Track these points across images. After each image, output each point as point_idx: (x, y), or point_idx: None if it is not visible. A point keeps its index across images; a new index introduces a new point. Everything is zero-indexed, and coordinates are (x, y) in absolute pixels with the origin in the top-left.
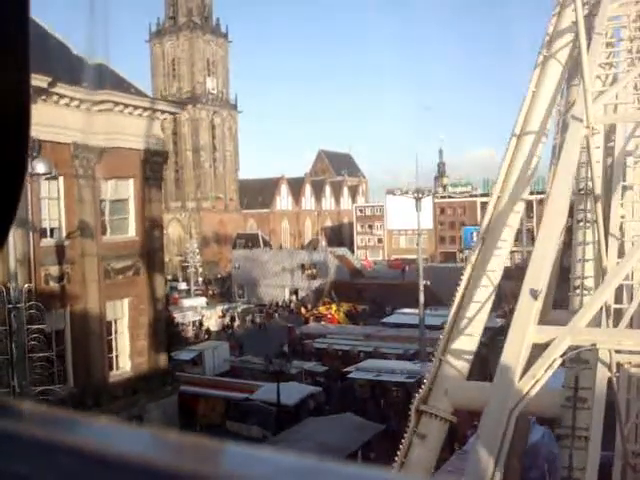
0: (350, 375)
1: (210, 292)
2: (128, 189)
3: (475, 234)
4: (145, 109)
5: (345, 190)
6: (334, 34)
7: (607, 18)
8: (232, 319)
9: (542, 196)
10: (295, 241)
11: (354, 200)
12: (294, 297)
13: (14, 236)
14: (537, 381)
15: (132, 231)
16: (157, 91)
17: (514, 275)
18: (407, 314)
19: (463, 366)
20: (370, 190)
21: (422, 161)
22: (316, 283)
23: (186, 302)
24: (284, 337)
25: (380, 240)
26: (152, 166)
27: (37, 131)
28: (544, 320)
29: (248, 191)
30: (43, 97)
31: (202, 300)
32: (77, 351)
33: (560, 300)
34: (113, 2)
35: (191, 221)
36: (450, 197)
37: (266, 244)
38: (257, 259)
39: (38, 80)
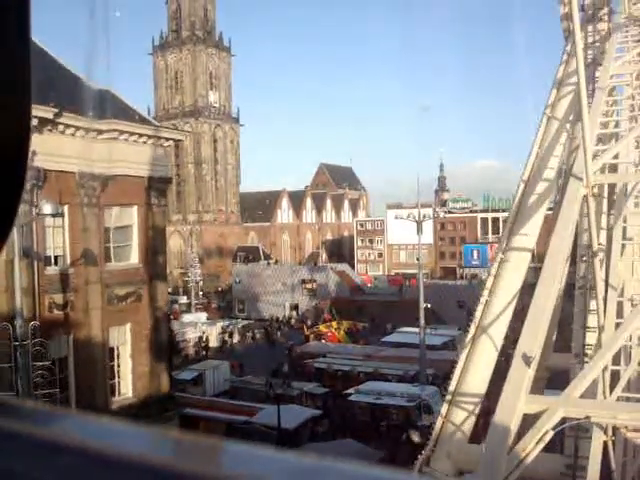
0: (350, 398)
1: (212, 305)
2: (132, 216)
3: (476, 252)
4: (149, 136)
5: (346, 203)
6: (333, 44)
7: (610, 75)
8: (230, 335)
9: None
10: (296, 254)
11: (355, 213)
12: (294, 313)
13: (19, 266)
14: (527, 454)
15: (135, 258)
16: (160, 104)
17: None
18: (407, 333)
19: (466, 427)
20: (371, 199)
21: (423, 171)
22: (316, 299)
23: (187, 317)
24: (284, 355)
25: (380, 254)
26: (156, 193)
27: (43, 161)
28: (545, 364)
29: (249, 204)
30: (49, 127)
31: (203, 315)
32: (80, 378)
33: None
34: (115, 16)
35: (192, 234)
36: (450, 212)
37: (267, 257)
38: (258, 274)
39: (44, 111)
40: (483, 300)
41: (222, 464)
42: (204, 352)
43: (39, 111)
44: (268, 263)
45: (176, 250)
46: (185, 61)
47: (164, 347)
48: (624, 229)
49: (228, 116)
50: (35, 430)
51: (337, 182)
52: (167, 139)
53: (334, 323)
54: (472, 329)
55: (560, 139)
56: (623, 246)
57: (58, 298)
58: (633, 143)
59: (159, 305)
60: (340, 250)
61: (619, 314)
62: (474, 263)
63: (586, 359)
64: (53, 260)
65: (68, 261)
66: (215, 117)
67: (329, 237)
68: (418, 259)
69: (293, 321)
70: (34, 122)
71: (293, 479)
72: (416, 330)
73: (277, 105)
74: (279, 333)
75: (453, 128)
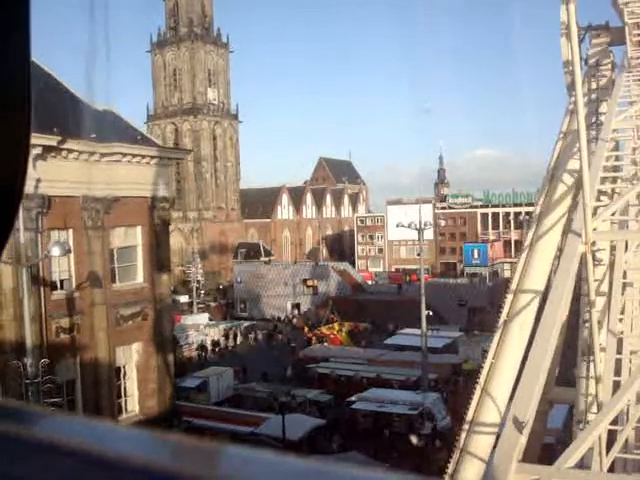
0: (353, 406)
1: (213, 305)
2: (136, 236)
3: (476, 251)
4: (152, 157)
5: (346, 198)
6: (332, 38)
7: (612, 130)
8: (234, 337)
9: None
10: (296, 250)
11: (354, 208)
12: (296, 311)
13: (27, 294)
14: None
15: (140, 277)
16: (158, 102)
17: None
18: (409, 335)
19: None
20: (370, 191)
21: (422, 159)
22: (317, 298)
23: (189, 319)
24: (287, 357)
25: (381, 250)
26: (159, 212)
27: (47, 187)
28: (547, 397)
29: (249, 201)
30: (53, 154)
31: (205, 317)
32: (87, 399)
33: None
34: (113, 13)
35: (193, 231)
36: (450, 208)
37: (267, 253)
38: (259, 273)
39: (48, 139)
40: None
41: (220, 467)
42: (203, 353)
43: (42, 139)
44: (266, 262)
45: (177, 248)
46: (183, 58)
47: (169, 364)
48: (624, 285)
49: (227, 113)
50: (35, 433)
51: (336, 176)
52: (170, 158)
53: (336, 325)
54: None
55: (565, 199)
56: (622, 302)
57: (65, 322)
58: (634, 200)
59: (164, 323)
60: (340, 246)
61: (617, 372)
62: (475, 262)
63: (581, 425)
64: (59, 284)
65: (74, 285)
66: (214, 114)
67: (329, 232)
68: (420, 263)
69: (295, 321)
70: (38, 150)
71: None
72: (417, 332)
73: (275, 100)
74: (280, 336)
75: (452, 117)
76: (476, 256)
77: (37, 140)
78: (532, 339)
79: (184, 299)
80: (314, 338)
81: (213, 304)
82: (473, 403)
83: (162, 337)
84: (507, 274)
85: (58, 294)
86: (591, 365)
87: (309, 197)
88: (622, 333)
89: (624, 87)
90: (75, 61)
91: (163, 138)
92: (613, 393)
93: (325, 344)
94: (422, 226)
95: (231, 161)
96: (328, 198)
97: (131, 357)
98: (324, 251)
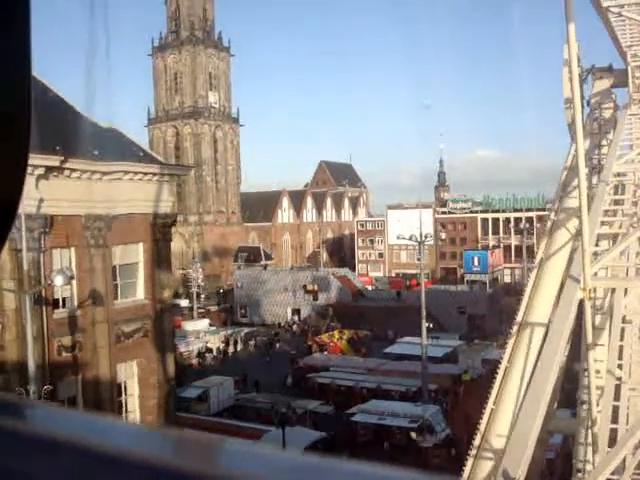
0: (354, 418)
1: (213, 309)
2: (138, 253)
3: (477, 259)
4: (154, 174)
5: (346, 201)
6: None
7: (613, 173)
8: (234, 343)
9: (542, 213)
10: (297, 254)
11: (355, 211)
12: (296, 317)
13: (30, 320)
14: None
15: (142, 294)
16: (159, 105)
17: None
18: (409, 343)
19: None
20: (371, 193)
21: (423, 160)
22: (318, 304)
23: (189, 325)
24: (288, 365)
25: (381, 254)
26: (161, 228)
27: (49, 207)
28: (548, 425)
29: (250, 204)
30: (55, 173)
31: (205, 323)
32: None
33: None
34: (115, 16)
35: (193, 235)
36: (451, 213)
37: (267, 257)
38: (259, 279)
39: (50, 160)
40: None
41: (221, 463)
42: (200, 359)
43: (45, 160)
44: (264, 267)
45: (177, 251)
46: (184, 62)
47: (170, 379)
48: (622, 329)
49: (228, 116)
50: (35, 428)
51: (337, 179)
52: (172, 175)
53: (336, 332)
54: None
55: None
56: (621, 348)
57: (66, 340)
58: (634, 245)
59: (165, 339)
60: (341, 249)
61: (614, 418)
62: (475, 269)
63: (580, 475)
64: (61, 302)
65: (76, 303)
66: (215, 118)
67: (330, 236)
68: (420, 269)
69: (295, 327)
70: (40, 171)
71: (292, 478)
72: (417, 340)
73: (275, 103)
74: (278, 345)
75: (453, 118)
76: (476, 263)
77: (39, 161)
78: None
79: (185, 303)
80: (314, 346)
81: (213, 308)
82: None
83: (163, 353)
84: (507, 279)
85: (60, 312)
86: (590, 411)
87: (309, 201)
88: (620, 379)
89: (626, 130)
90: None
91: (164, 141)
92: (610, 441)
93: (325, 352)
94: (422, 238)
95: (232, 164)
96: (328, 202)
97: (132, 373)
98: (324, 255)
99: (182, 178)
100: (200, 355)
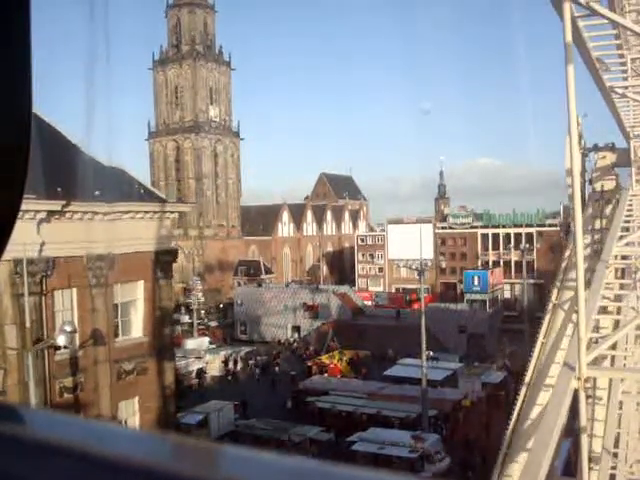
0: (354, 447)
1: (213, 324)
2: (138, 291)
3: (477, 278)
4: (155, 212)
5: (346, 214)
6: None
7: (613, 255)
8: (234, 363)
9: (542, 229)
10: (297, 267)
11: (355, 224)
12: (296, 334)
13: (32, 379)
14: None
15: (143, 331)
16: (160, 119)
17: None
18: (409, 366)
19: None
20: (371, 199)
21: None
22: (318, 322)
23: (189, 343)
24: (287, 387)
25: (381, 269)
26: (162, 265)
27: (51, 249)
28: None
29: (250, 218)
30: (57, 216)
31: (205, 341)
32: None
33: None
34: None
35: (194, 249)
36: (451, 228)
37: (267, 271)
38: (259, 295)
39: (52, 205)
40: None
41: (220, 468)
42: (197, 379)
43: (46, 205)
44: (259, 285)
45: (178, 265)
46: (185, 76)
47: (170, 414)
48: (619, 417)
49: (228, 130)
50: (34, 433)
51: (337, 192)
52: (172, 212)
53: (336, 354)
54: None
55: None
56: (618, 435)
57: (68, 382)
58: (633, 333)
59: (166, 375)
60: (341, 263)
61: None
62: (475, 289)
63: None
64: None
65: (77, 343)
66: (215, 132)
67: (330, 249)
68: (421, 290)
69: (295, 345)
70: (42, 215)
71: None
72: (417, 362)
73: (275, 115)
74: (277, 369)
75: (452, 126)
76: (476, 283)
77: (40, 206)
78: None
79: (185, 319)
80: (314, 367)
81: (213, 324)
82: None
83: (164, 389)
84: (507, 294)
85: (61, 354)
86: None
87: (309, 214)
88: (615, 468)
89: (626, 210)
90: (75, 77)
91: (164, 155)
92: None
93: (325, 375)
94: (422, 266)
95: (232, 178)
96: (329, 215)
97: (134, 410)
98: (324, 269)
99: (182, 192)
100: (199, 376)
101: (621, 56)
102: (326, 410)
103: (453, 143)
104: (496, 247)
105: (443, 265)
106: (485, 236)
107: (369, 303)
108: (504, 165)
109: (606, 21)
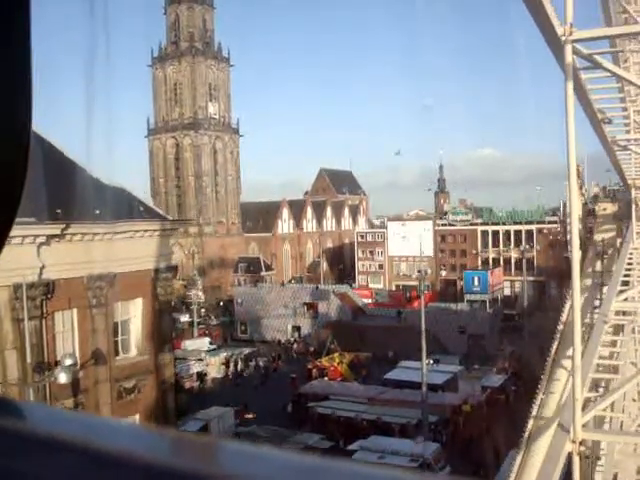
0: (354, 456)
1: (213, 323)
2: (138, 309)
3: (477, 279)
4: (155, 230)
5: (346, 210)
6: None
7: (611, 311)
8: (235, 364)
9: (541, 226)
10: (297, 264)
11: (355, 220)
12: (296, 334)
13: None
14: None
15: (142, 349)
16: (159, 116)
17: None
18: (409, 369)
19: None
20: (371, 191)
21: (423, 159)
22: (318, 321)
23: (189, 344)
24: (288, 390)
25: (381, 266)
26: (162, 283)
27: (51, 272)
28: None
29: (250, 214)
30: (57, 239)
31: (205, 341)
32: None
33: None
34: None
35: (193, 246)
36: (451, 225)
37: (268, 268)
38: (259, 294)
39: (51, 229)
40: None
41: (221, 463)
42: (199, 383)
43: (46, 229)
44: (254, 284)
45: (177, 262)
46: (184, 73)
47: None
48: (615, 476)
49: (228, 127)
50: (34, 428)
51: (337, 187)
52: (173, 229)
53: (336, 356)
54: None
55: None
56: None
57: (69, 403)
58: (635, 389)
59: (166, 392)
60: (341, 259)
61: None
62: (475, 289)
63: None
64: (64, 356)
65: (78, 363)
66: (215, 128)
67: (330, 245)
68: (420, 283)
69: (295, 346)
70: (41, 239)
71: (291, 478)
72: (417, 365)
73: (274, 108)
74: (276, 370)
75: (453, 116)
76: (476, 283)
77: (40, 230)
78: None
79: (184, 318)
80: (315, 370)
81: (213, 322)
82: None
83: (164, 407)
84: (507, 292)
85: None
86: None
87: (309, 210)
88: None
89: (627, 264)
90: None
91: (164, 152)
92: None
93: (325, 378)
94: (423, 273)
95: (231, 175)
96: (328, 211)
97: None
98: (324, 265)
99: (182, 190)
100: (200, 378)
101: (624, 109)
102: (326, 416)
103: (454, 134)
104: (496, 244)
105: (443, 266)
106: (485, 233)
107: (369, 301)
108: (505, 156)
109: (609, 74)
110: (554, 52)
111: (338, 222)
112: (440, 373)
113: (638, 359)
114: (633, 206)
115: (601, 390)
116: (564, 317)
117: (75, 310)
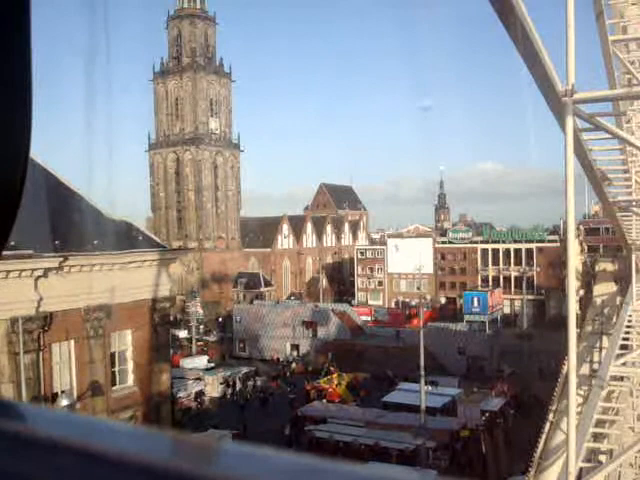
0: None
1: (212, 339)
2: (136, 339)
3: (476, 300)
4: (153, 260)
5: (346, 226)
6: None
7: (609, 376)
8: (233, 384)
9: (541, 245)
10: (296, 280)
11: (355, 235)
12: (295, 353)
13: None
14: None
15: (139, 380)
16: (160, 130)
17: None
18: (408, 391)
19: None
20: (371, 205)
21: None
22: (317, 341)
23: (187, 362)
24: (286, 411)
25: (380, 283)
26: (160, 312)
27: (49, 304)
28: None
29: (250, 229)
30: (54, 272)
31: (204, 359)
32: None
33: None
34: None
35: (193, 261)
36: (451, 243)
37: (267, 284)
38: (258, 313)
39: (49, 262)
40: None
41: (219, 464)
42: (198, 405)
43: (44, 262)
44: (251, 301)
45: (177, 277)
46: (185, 88)
47: None
48: None
49: (229, 142)
50: (32, 430)
51: (337, 202)
52: (172, 258)
53: (335, 377)
54: None
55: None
56: None
57: None
58: (633, 454)
59: (162, 418)
60: (340, 275)
61: None
62: (474, 310)
63: None
64: (60, 395)
65: (75, 395)
66: (216, 144)
67: (329, 261)
68: (422, 327)
69: (294, 365)
70: (39, 272)
71: (289, 479)
72: (416, 387)
73: (275, 121)
74: (273, 393)
75: (452, 132)
76: (476, 304)
77: (38, 264)
78: None
79: (183, 334)
80: (313, 392)
81: (212, 339)
82: None
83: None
84: (507, 310)
85: (59, 406)
86: None
87: (309, 226)
88: None
89: (626, 323)
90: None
91: (164, 167)
92: None
93: (324, 400)
94: (422, 300)
95: (232, 190)
96: (328, 227)
97: None
98: (324, 281)
99: (182, 204)
100: (198, 398)
101: (625, 171)
102: (324, 440)
103: (455, 148)
104: (496, 262)
105: (442, 284)
106: (485, 251)
107: (369, 319)
108: (505, 170)
109: (610, 135)
110: (554, 113)
111: (338, 238)
112: (439, 396)
113: (636, 424)
114: (634, 266)
115: (601, 457)
116: (565, 369)
117: (72, 341)
